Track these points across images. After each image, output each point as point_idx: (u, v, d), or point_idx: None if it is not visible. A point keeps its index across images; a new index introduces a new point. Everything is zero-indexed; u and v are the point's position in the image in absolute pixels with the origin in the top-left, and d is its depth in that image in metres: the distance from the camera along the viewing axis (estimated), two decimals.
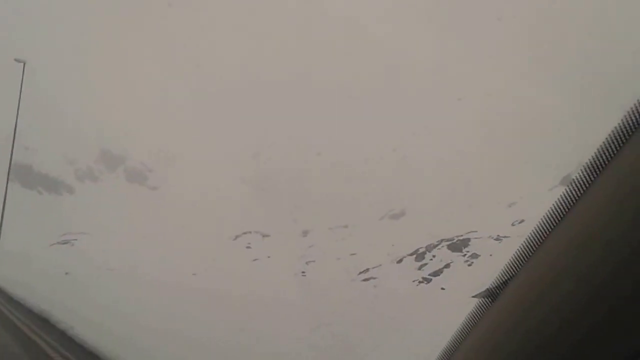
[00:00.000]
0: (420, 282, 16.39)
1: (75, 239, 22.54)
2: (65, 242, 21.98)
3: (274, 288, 17.63)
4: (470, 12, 41.41)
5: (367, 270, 18.97)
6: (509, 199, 23.11)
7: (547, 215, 0.77)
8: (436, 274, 16.50)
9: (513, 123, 29.99)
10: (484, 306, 0.90)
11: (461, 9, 42.03)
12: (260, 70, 41.62)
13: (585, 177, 0.71)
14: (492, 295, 0.88)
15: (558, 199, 0.75)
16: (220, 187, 27.16)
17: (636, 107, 0.66)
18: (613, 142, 0.68)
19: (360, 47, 42.76)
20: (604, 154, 0.70)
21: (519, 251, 0.82)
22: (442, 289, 15.26)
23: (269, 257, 21.21)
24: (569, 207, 0.73)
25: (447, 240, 18.50)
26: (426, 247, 18.71)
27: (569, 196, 0.72)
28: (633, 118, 0.67)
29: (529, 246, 0.81)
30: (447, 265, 16.64)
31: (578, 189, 0.72)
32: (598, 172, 0.70)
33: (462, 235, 18.42)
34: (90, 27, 40.79)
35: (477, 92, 34.22)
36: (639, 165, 0.66)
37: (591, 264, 0.68)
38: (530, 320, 0.76)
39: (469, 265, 16.48)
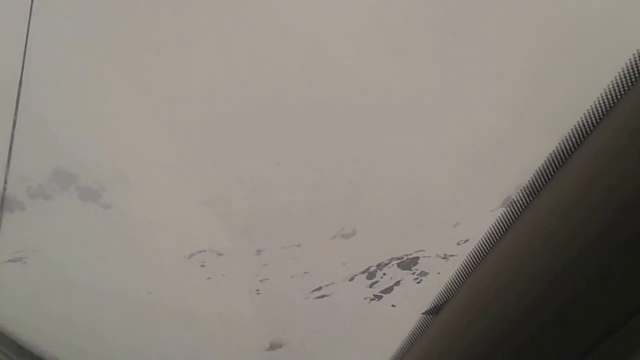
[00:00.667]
0: (371, 299, 17.02)
1: (27, 257, 22.24)
2: (16, 260, 21.68)
3: (228, 306, 17.85)
4: (427, 29, 42.47)
5: (320, 288, 19.45)
6: (454, 220, 24.03)
7: (487, 235, 0.79)
8: (387, 291, 17.17)
9: (459, 145, 31.02)
10: (426, 322, 0.91)
11: (419, 26, 43.12)
12: (217, 85, 41.74)
13: (522, 199, 0.73)
14: (433, 311, 0.89)
15: (497, 219, 0.76)
16: (175, 205, 27.18)
17: (572, 133, 0.69)
18: (549, 166, 0.71)
19: (319, 62, 43.42)
20: (541, 177, 0.71)
21: (459, 269, 0.85)
22: (393, 305, 15.94)
23: (223, 275, 21.44)
24: (507, 227, 0.74)
25: (397, 258, 19.19)
26: (377, 265, 19.35)
27: (507, 217, 0.74)
28: (569, 144, 0.70)
29: (469, 264, 0.83)
30: (397, 283, 17.33)
31: (516, 210, 0.73)
32: (535, 194, 0.71)
33: (411, 254, 19.15)
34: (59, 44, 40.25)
35: (429, 111, 35.31)
36: (572, 187, 0.68)
37: (526, 280, 0.71)
38: (469, 334, 0.78)
39: (418, 282, 17.22)
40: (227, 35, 43.52)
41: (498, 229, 0.77)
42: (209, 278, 21.38)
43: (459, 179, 27.73)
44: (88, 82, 35.84)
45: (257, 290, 20.34)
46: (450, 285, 0.86)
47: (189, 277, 21.16)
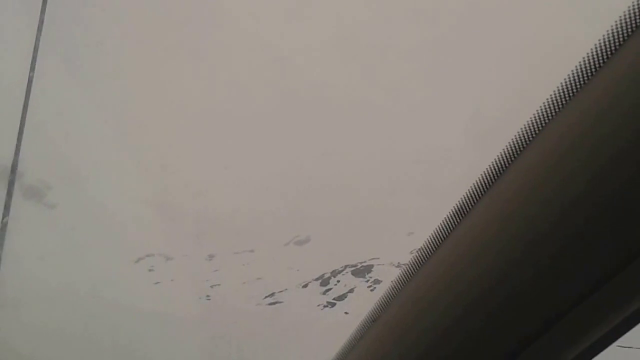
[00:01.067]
0: (325, 306, 16.87)
1: None
2: None
3: (177, 312, 17.41)
4: (382, 43, 43.02)
5: (273, 294, 19.19)
6: (408, 229, 24.16)
7: (429, 240, 0.80)
8: (340, 298, 17.06)
9: (411, 155, 31.36)
10: (366, 325, 0.90)
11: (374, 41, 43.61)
12: (166, 87, 41.09)
13: (466, 205, 0.74)
14: (374, 318, 0.88)
15: (439, 224, 0.77)
16: (122, 208, 26.40)
17: (512, 142, 0.69)
18: (491, 174, 0.71)
19: (272, 70, 43.35)
20: (482, 186, 0.72)
21: (400, 275, 0.85)
22: (346, 313, 15.82)
23: (172, 280, 20.91)
24: (449, 232, 0.76)
25: (351, 266, 19.13)
26: (331, 272, 19.23)
27: (450, 222, 0.75)
28: (509, 152, 0.70)
29: (409, 270, 0.84)
30: (351, 290, 17.25)
31: (458, 216, 0.75)
32: (476, 200, 0.73)
33: (365, 262, 19.12)
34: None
35: (386, 120, 35.61)
36: (511, 195, 0.69)
37: (465, 284, 0.72)
38: (407, 339, 0.79)
39: (372, 290, 17.17)
40: (175, 41, 42.86)
41: (440, 234, 0.79)
42: (158, 283, 20.80)
43: (414, 188, 27.96)
44: (34, 78, 34.62)
45: (208, 296, 19.88)
46: (391, 292, 0.87)
47: (136, 282, 20.55)
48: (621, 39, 0.62)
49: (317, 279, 19.04)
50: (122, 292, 18.24)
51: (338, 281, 18.45)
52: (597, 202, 0.60)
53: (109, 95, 36.97)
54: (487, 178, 0.73)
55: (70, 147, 32.40)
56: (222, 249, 26.05)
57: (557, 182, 0.64)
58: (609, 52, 0.61)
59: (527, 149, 0.66)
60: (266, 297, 19.48)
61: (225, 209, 31.67)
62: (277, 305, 18.47)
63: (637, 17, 0.57)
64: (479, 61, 36.25)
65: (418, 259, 0.84)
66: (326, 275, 19.18)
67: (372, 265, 18.58)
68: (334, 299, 17.20)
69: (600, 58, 0.61)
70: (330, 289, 18.03)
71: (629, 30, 0.60)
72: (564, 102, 0.63)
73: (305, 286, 19.02)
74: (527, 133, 0.68)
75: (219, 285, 21.28)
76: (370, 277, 17.91)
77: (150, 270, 22.85)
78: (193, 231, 27.38)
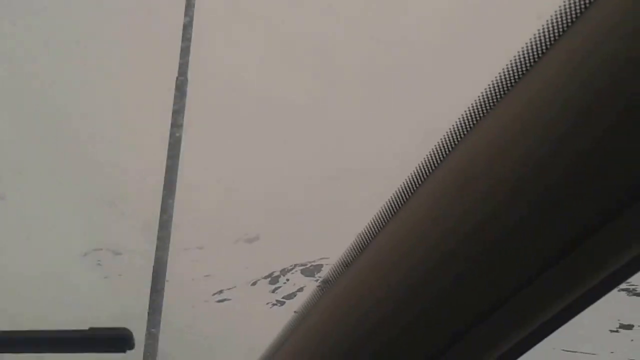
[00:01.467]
0: (274, 304, 17.10)
1: None
2: None
3: (124, 307, 17.31)
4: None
5: (222, 291, 19.27)
6: (358, 229, 24.60)
7: (366, 228, 0.79)
8: (289, 297, 17.32)
9: (355, 160, 31.84)
10: (296, 321, 0.90)
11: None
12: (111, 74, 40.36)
13: (402, 194, 0.71)
14: (303, 316, 0.89)
15: (379, 210, 0.77)
16: (70, 201, 25.98)
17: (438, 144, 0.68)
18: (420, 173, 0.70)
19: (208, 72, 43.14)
20: (413, 183, 0.71)
21: (332, 267, 0.86)
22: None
23: (120, 275, 20.74)
24: (390, 217, 0.74)
25: (301, 265, 19.40)
26: (280, 271, 19.45)
27: (391, 206, 0.74)
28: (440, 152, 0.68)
29: (340, 265, 0.83)
30: (300, 289, 17.52)
31: (399, 200, 0.73)
32: (413, 190, 0.71)
33: (315, 261, 19.41)
34: None
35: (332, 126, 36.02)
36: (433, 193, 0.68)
37: (384, 290, 0.70)
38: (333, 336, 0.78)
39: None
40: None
41: (380, 219, 0.76)
42: (106, 277, 20.61)
43: (361, 191, 28.42)
44: None
45: None
46: (319, 290, 0.86)
47: (84, 276, 20.30)
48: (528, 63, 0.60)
49: (266, 277, 19.22)
50: (70, 285, 18.01)
51: (287, 280, 18.69)
52: (516, 215, 0.59)
53: (47, 90, 36.26)
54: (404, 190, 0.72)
55: (17, 139, 31.60)
56: (171, 245, 25.84)
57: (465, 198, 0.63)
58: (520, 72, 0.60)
59: (452, 153, 0.66)
60: (214, 294, 19.52)
61: (174, 205, 31.42)
62: (225, 302, 18.59)
63: (562, 21, 0.56)
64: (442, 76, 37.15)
65: (344, 260, 0.82)
66: (275, 274, 19.40)
67: (322, 265, 18.88)
68: (283, 297, 17.44)
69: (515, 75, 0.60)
70: (280, 287, 18.25)
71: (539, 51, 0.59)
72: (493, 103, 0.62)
73: (254, 284, 19.18)
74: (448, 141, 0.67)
75: (167, 281, 21.11)
76: (320, 277, 18.23)
77: (98, 264, 22.60)
78: (142, 227, 27.17)
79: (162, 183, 9.20)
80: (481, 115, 0.65)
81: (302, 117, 41.72)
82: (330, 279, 0.85)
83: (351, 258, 0.82)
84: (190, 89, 8.72)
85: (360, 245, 0.81)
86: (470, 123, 0.66)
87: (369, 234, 0.79)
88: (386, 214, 0.76)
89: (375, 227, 0.78)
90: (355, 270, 0.80)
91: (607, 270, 0.63)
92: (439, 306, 0.67)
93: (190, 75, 8.72)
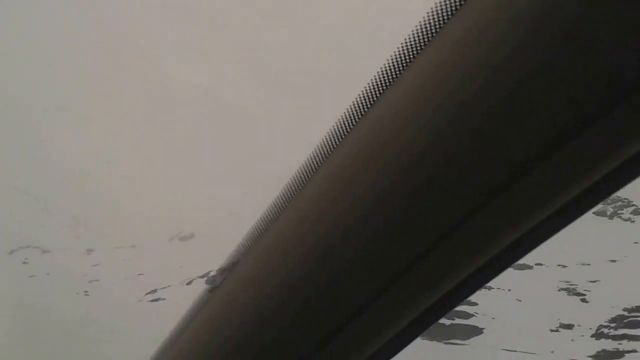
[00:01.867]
0: None
1: None
2: None
3: (51, 307, 16.79)
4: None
5: (155, 291, 18.94)
6: None
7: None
8: None
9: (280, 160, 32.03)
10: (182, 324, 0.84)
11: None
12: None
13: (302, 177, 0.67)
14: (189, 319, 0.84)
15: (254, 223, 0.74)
16: None
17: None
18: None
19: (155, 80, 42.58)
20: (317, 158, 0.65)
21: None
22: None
23: (48, 274, 20.04)
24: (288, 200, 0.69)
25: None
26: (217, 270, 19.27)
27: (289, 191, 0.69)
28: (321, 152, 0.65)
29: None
30: None
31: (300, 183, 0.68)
32: (312, 173, 0.66)
33: None
34: None
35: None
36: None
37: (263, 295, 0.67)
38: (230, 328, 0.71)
39: None
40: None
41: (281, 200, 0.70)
42: (32, 276, 19.81)
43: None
44: None
45: (86, 291, 19.24)
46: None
47: (9, 274, 19.54)
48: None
49: (202, 277, 18.90)
50: None
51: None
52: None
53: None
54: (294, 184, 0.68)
55: None
56: (102, 243, 25.15)
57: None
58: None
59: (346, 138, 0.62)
60: (147, 293, 19.14)
61: (105, 201, 30.62)
62: (159, 302, 18.32)
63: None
64: None
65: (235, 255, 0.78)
66: (212, 273, 18.97)
67: None
68: None
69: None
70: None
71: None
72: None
73: (189, 283, 18.87)
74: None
75: (97, 280, 20.58)
76: None
77: (24, 262, 21.62)
78: (71, 224, 26.32)
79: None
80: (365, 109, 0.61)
81: (241, 119, 41.61)
82: (216, 284, 0.83)
83: (231, 265, 0.78)
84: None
85: (238, 252, 0.77)
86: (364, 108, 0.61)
87: (252, 236, 0.74)
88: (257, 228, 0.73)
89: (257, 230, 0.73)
90: (232, 280, 0.77)
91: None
92: (318, 301, 0.65)
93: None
